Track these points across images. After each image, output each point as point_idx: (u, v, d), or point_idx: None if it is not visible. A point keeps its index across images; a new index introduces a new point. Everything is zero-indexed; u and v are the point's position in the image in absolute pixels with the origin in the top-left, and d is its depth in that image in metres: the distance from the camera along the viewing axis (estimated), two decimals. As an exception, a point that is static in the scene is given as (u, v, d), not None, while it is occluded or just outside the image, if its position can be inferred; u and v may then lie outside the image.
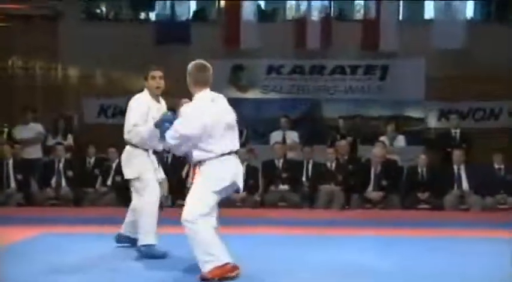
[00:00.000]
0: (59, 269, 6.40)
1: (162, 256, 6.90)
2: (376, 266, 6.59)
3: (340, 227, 9.91)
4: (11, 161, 12.61)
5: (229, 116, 6.23)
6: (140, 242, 6.99)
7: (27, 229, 9.02)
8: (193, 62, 6.18)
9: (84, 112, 16.08)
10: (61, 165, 12.72)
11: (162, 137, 6.15)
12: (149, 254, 6.90)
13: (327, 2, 15.98)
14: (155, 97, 7.18)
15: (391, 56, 15.68)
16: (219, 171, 5.99)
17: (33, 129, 13.52)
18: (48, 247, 7.60)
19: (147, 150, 7.08)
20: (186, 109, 6.03)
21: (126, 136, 7.10)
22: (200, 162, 6.02)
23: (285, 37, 15.74)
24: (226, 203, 12.16)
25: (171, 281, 5.95)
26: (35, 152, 13.41)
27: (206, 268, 5.82)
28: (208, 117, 5.95)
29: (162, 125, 6.18)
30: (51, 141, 13.54)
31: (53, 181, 12.64)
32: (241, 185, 6.15)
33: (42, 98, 15.98)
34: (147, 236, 6.93)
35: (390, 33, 15.42)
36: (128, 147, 7.15)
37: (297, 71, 16.15)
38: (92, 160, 13.07)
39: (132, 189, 7.15)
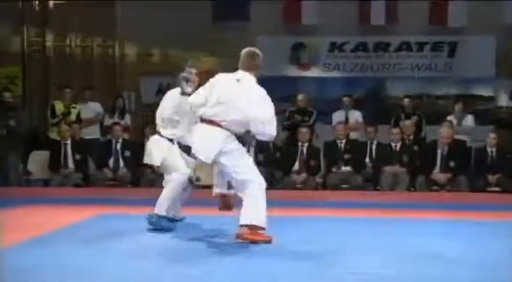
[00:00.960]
0: (117, 250, 6.46)
1: (168, 229, 7.39)
2: (443, 251, 6.47)
3: (405, 209, 9.81)
4: (69, 141, 12.77)
5: None
6: (154, 211, 7.44)
7: (85, 210, 9.14)
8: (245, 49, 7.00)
9: (142, 91, 16.19)
10: (119, 145, 12.83)
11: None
12: (157, 224, 7.40)
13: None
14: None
15: (460, 32, 15.36)
16: None
17: (91, 108, 13.69)
18: (106, 228, 7.69)
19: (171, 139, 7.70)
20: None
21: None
22: None
23: (348, 13, 15.56)
24: (287, 185, 12.29)
25: (242, 265, 5.94)
26: (93, 132, 13.58)
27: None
28: None
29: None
30: (108, 121, 13.66)
31: (111, 161, 12.77)
32: None
33: (99, 77, 16.17)
34: (160, 207, 7.41)
35: (459, 8, 15.10)
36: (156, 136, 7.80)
37: (360, 49, 15.97)
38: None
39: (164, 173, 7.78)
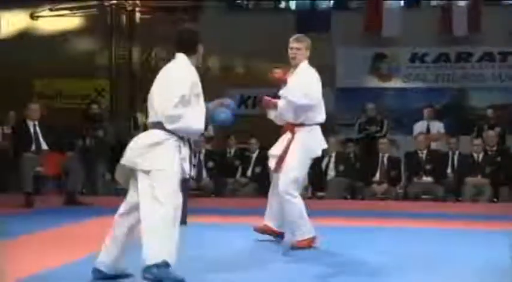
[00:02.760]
0: (201, 259, 6.58)
1: None
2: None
3: (488, 221, 9.67)
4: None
5: None
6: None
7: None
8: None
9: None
10: (202, 156, 13.05)
11: None
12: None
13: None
14: None
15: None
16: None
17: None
18: (190, 237, 7.83)
19: None
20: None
21: None
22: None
23: (429, 23, 15.45)
24: (368, 194, 12.27)
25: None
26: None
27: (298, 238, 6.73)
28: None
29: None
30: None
31: (194, 172, 12.97)
32: None
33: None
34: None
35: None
36: None
37: (442, 59, 15.82)
38: (233, 151, 13.34)
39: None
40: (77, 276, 5.37)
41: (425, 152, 12.61)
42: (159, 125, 5.12)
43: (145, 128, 13.25)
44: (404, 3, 15.99)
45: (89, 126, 13.29)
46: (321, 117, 6.97)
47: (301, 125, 6.89)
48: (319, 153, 7.00)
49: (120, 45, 17.03)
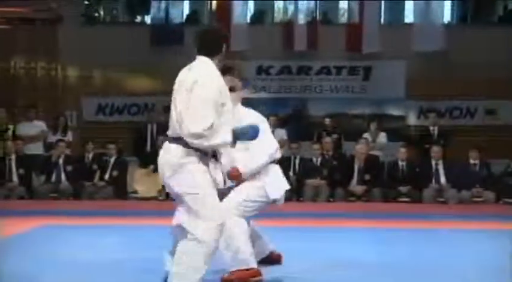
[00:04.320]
0: (60, 259, 6.35)
1: None
2: (363, 257, 6.54)
3: (325, 219, 9.91)
4: (13, 157, 12.55)
5: None
6: None
7: (29, 221, 8.96)
8: None
9: (83, 110, 15.96)
10: (61, 160, 12.63)
11: None
12: None
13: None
14: None
15: (374, 57, 15.63)
16: None
17: (36, 126, 13.46)
18: (49, 238, 7.55)
19: None
20: None
21: None
22: None
23: (273, 39, 15.69)
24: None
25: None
26: (36, 148, 13.34)
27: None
28: None
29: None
30: (51, 138, 13.45)
31: (53, 175, 12.56)
32: None
33: (43, 97, 15.85)
34: None
35: (372, 35, 15.37)
36: None
37: (285, 72, 16.08)
38: (91, 156, 13.00)
39: None
40: None
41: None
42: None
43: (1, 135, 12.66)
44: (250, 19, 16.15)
45: None
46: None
47: None
48: None
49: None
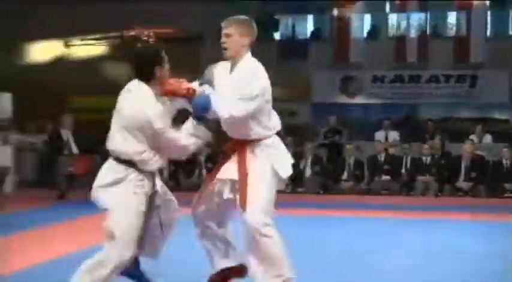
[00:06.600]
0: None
1: None
2: (468, 248, 6.40)
3: (434, 211, 9.72)
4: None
5: None
6: None
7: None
8: None
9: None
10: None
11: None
12: None
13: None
14: None
15: (480, 66, 15.19)
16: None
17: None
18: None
19: None
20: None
21: None
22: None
23: (387, 51, 15.53)
24: (336, 189, 12.26)
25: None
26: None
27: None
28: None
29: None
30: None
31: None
32: None
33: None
34: None
35: (479, 47, 14.96)
36: None
37: (397, 80, 15.88)
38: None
39: None
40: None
41: (383, 155, 12.67)
42: None
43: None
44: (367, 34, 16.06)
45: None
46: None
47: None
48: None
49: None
